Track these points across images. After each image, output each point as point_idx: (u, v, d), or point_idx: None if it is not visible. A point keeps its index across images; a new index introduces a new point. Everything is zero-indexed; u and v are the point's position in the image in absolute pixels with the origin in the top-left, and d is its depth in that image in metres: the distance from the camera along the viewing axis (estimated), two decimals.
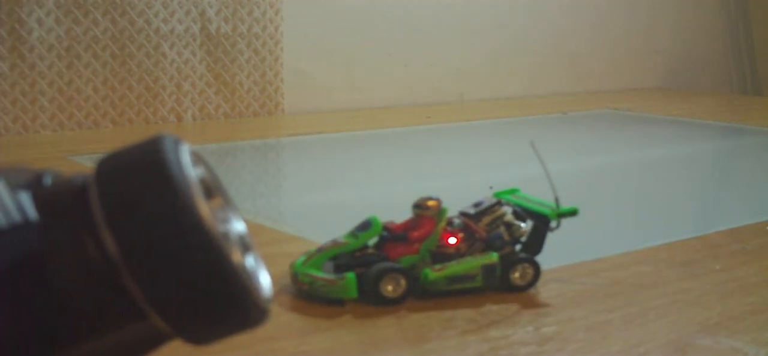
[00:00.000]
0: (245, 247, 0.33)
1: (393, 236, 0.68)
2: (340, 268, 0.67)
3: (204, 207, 0.30)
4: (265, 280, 0.33)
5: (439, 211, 0.68)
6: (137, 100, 1.49)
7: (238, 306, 0.31)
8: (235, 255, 0.31)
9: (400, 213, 0.70)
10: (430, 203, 0.68)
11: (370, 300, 0.65)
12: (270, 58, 1.61)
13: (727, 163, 1.46)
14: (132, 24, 1.46)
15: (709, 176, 1.34)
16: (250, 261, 0.33)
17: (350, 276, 0.65)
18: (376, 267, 0.65)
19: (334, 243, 0.68)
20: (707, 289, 0.72)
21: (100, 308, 0.30)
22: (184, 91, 1.53)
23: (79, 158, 1.21)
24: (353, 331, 0.62)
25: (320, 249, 0.68)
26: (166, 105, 1.51)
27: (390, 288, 0.65)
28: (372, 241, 0.68)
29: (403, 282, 0.65)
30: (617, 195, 1.15)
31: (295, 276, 0.67)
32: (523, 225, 0.70)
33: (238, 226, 0.34)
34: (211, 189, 0.33)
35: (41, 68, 1.40)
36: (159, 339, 0.32)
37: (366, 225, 0.68)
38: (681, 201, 1.11)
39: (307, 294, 0.66)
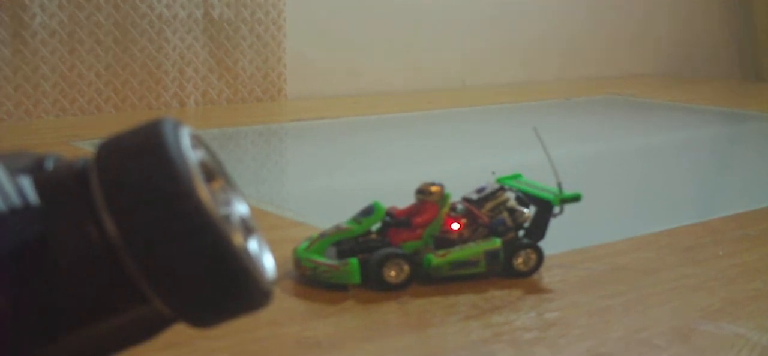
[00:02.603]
0: (248, 230, 0.33)
1: (396, 221, 0.68)
2: (343, 254, 0.67)
3: (204, 190, 0.30)
4: (268, 262, 0.34)
5: (442, 197, 0.68)
6: (140, 86, 1.48)
7: (240, 288, 0.31)
8: (237, 238, 0.31)
9: (403, 199, 0.70)
10: (433, 188, 0.68)
11: (373, 285, 0.65)
12: (273, 44, 1.61)
13: (729, 149, 1.46)
14: (135, 9, 1.46)
15: (711, 162, 1.34)
16: (252, 243, 0.33)
17: (353, 261, 0.65)
18: (379, 253, 0.65)
19: (337, 229, 0.68)
20: (710, 275, 0.72)
21: (103, 291, 0.30)
22: (187, 76, 1.53)
23: (81, 143, 1.21)
24: (356, 316, 0.62)
25: (323, 235, 0.68)
26: (169, 90, 1.51)
27: (393, 273, 0.65)
28: (375, 227, 0.68)
29: (406, 267, 0.65)
30: (619, 181, 1.14)
31: (298, 262, 0.67)
32: (525, 210, 0.70)
33: (241, 209, 0.34)
34: (212, 171, 0.33)
35: (44, 53, 1.40)
36: (163, 323, 0.33)
37: (369, 211, 0.68)
38: (683, 187, 1.11)
39: (310, 280, 0.66)
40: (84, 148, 1.18)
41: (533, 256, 0.69)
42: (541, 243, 0.70)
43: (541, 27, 2.04)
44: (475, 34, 1.93)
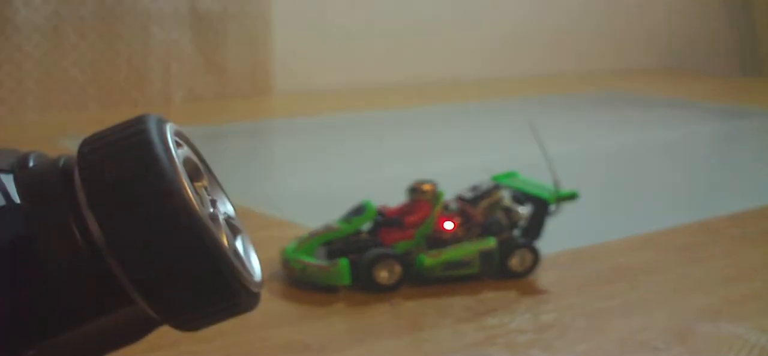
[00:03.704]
0: (233, 230, 0.33)
1: (387, 221, 0.67)
2: (333, 254, 0.66)
3: (188, 189, 0.29)
4: (255, 263, 0.33)
5: (435, 195, 0.68)
6: (125, 82, 1.48)
7: (226, 291, 0.30)
8: (222, 238, 0.30)
9: (394, 197, 0.69)
10: (426, 187, 0.68)
11: (364, 286, 0.64)
12: (260, 39, 1.60)
13: (728, 146, 1.46)
14: (119, 3, 1.45)
15: (710, 159, 1.34)
16: (238, 244, 0.32)
17: (343, 262, 0.64)
18: (370, 253, 0.65)
19: (327, 228, 0.67)
20: (708, 275, 0.71)
21: (87, 292, 0.30)
22: (173, 72, 1.52)
23: (66, 140, 1.20)
24: (346, 319, 0.61)
25: (312, 235, 0.67)
26: (155, 86, 1.50)
27: (384, 274, 0.65)
28: (366, 226, 0.67)
29: (397, 268, 0.65)
30: (617, 179, 1.14)
31: (286, 262, 0.66)
32: (521, 209, 0.69)
33: (226, 208, 0.34)
34: (197, 170, 0.33)
35: (28, 49, 1.39)
36: (149, 325, 0.32)
37: (360, 210, 0.67)
38: (682, 186, 1.11)
39: (299, 281, 0.66)
40: (68, 144, 1.17)
41: (529, 256, 0.68)
42: (537, 243, 0.69)
43: (537, 21, 2.04)
44: (470, 30, 1.93)
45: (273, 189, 1.06)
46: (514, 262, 0.68)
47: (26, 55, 1.39)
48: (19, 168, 0.31)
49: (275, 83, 1.64)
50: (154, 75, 1.50)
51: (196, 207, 0.29)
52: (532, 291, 0.67)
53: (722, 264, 0.74)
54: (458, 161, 1.17)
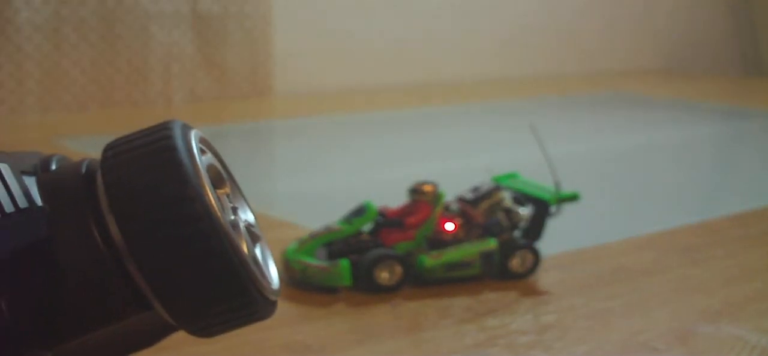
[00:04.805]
0: (253, 238, 0.33)
1: (388, 222, 0.67)
2: (333, 255, 0.66)
3: (210, 196, 0.29)
4: (272, 272, 0.33)
5: (436, 196, 0.67)
6: (126, 82, 1.47)
7: (245, 298, 0.30)
8: (242, 245, 0.30)
9: (395, 198, 0.69)
10: (427, 188, 0.67)
11: (365, 287, 0.64)
12: (261, 39, 1.60)
13: (730, 147, 1.46)
14: (120, 4, 1.45)
15: (711, 160, 1.34)
16: (257, 251, 0.32)
17: (344, 263, 0.64)
18: (371, 254, 0.64)
19: (328, 229, 0.67)
20: (709, 276, 0.71)
21: (106, 296, 0.30)
22: (174, 72, 1.51)
23: (66, 141, 1.20)
24: (347, 319, 0.61)
25: (313, 236, 0.67)
26: (155, 87, 1.50)
27: (385, 275, 0.64)
28: (366, 227, 0.67)
29: (398, 269, 0.64)
30: (618, 179, 1.14)
31: (287, 263, 0.66)
32: (522, 210, 0.69)
33: (247, 216, 0.33)
34: (220, 177, 0.33)
35: (28, 50, 1.38)
36: (165, 330, 0.32)
37: (360, 211, 0.67)
38: (683, 186, 1.11)
39: (300, 282, 0.65)
40: (69, 145, 1.17)
41: (530, 257, 0.68)
42: (538, 244, 0.69)
43: (539, 22, 2.04)
44: (471, 30, 1.92)
45: (273, 190, 1.06)
46: (515, 263, 0.68)
47: (27, 55, 1.38)
48: (41, 170, 0.31)
49: (275, 83, 1.63)
50: (154, 75, 1.50)
51: (218, 213, 0.29)
52: (533, 292, 0.66)
53: (724, 265, 0.74)
54: (459, 162, 1.17)
